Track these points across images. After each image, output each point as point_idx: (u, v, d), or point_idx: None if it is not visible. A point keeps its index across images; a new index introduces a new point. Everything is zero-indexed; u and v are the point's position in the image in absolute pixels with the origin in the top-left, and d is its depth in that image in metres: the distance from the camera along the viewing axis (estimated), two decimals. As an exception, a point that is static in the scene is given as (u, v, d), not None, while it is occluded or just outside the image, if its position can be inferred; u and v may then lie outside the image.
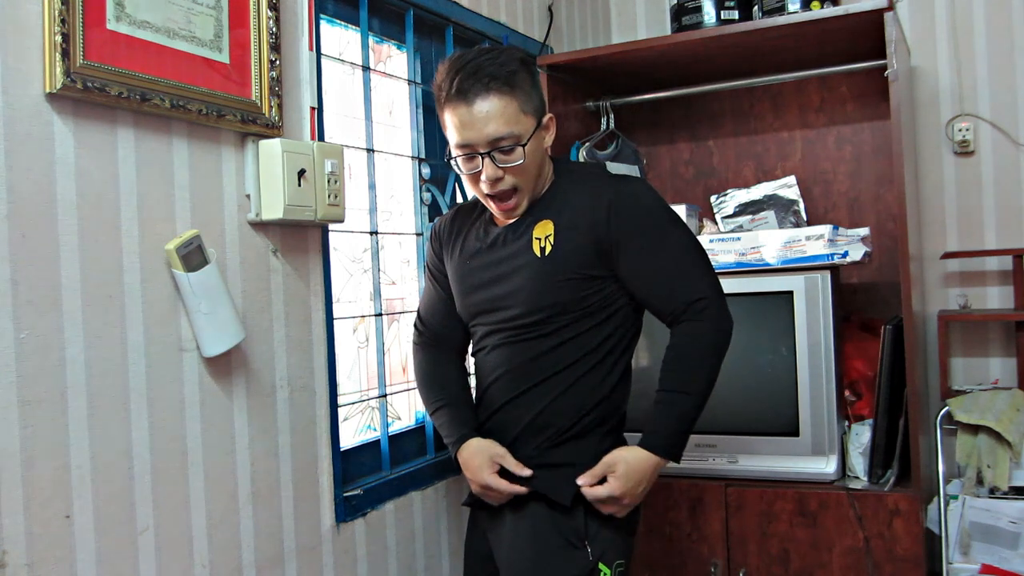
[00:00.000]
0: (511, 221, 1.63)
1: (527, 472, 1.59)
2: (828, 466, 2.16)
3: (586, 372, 1.60)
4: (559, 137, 1.69)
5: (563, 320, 1.59)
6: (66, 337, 1.25)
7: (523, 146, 1.54)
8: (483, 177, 1.55)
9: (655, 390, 1.58)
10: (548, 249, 1.58)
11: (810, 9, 2.46)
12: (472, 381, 1.80)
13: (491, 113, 1.51)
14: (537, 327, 1.60)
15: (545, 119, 1.60)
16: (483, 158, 1.53)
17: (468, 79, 1.50)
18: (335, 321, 1.79)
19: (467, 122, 1.52)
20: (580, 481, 1.57)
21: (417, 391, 1.83)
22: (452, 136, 1.56)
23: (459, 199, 2.27)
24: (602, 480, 1.57)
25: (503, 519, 1.63)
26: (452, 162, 1.59)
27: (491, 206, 1.62)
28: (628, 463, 1.56)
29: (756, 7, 2.59)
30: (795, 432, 2.17)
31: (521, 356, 1.61)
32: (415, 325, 1.83)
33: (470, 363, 1.79)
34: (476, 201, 1.73)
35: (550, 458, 1.60)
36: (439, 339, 1.79)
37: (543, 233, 1.60)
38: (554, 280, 1.57)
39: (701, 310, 1.58)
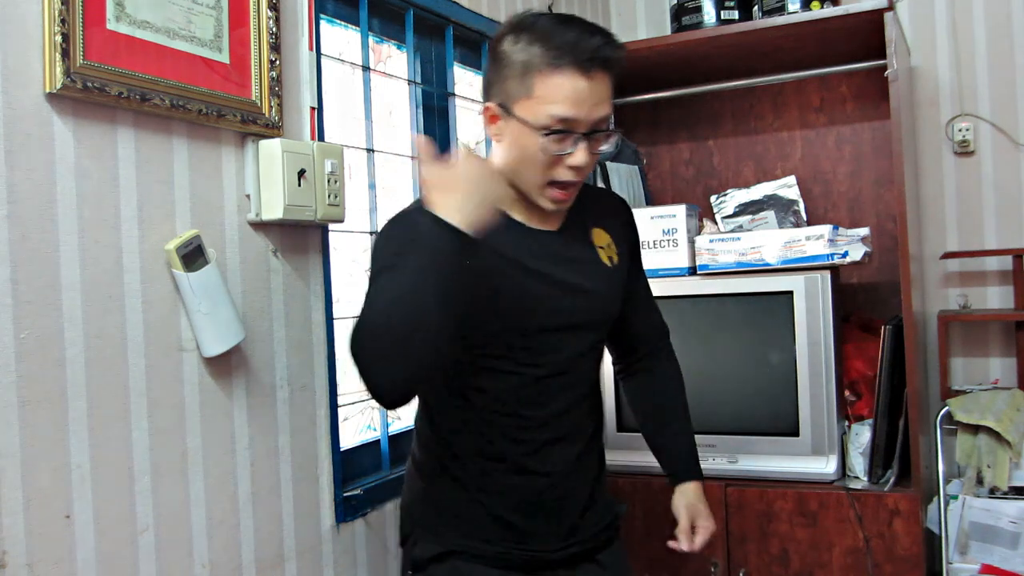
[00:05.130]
0: (555, 228, 1.45)
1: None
2: (828, 466, 2.15)
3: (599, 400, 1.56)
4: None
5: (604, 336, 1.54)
6: (66, 337, 1.25)
7: (613, 135, 1.41)
8: (571, 162, 1.34)
9: (669, 422, 1.65)
10: (616, 259, 1.50)
11: (810, 9, 2.46)
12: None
13: (603, 94, 1.33)
14: (599, 347, 1.52)
15: None
16: (580, 141, 1.33)
17: (597, 52, 1.30)
18: (335, 321, 1.78)
19: (582, 97, 1.30)
20: (680, 547, 1.54)
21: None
22: (553, 108, 1.30)
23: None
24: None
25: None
26: (543, 136, 1.32)
27: (546, 193, 1.37)
28: (701, 502, 1.59)
29: (756, 7, 2.59)
30: (795, 432, 2.16)
31: (584, 388, 1.48)
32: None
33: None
34: None
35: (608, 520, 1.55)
36: None
37: (603, 242, 1.50)
38: (621, 292, 1.52)
39: (668, 343, 1.69)
